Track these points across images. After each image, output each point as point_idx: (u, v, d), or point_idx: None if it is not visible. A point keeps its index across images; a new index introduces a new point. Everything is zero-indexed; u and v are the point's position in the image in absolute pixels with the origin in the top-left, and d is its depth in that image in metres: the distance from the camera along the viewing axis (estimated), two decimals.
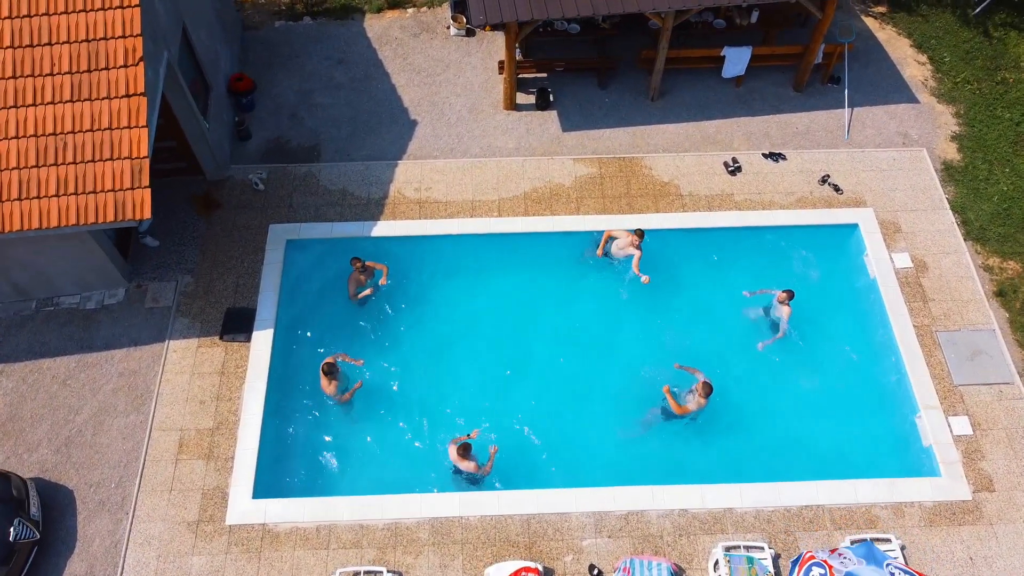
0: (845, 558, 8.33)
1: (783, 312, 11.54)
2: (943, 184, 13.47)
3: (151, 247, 12.66)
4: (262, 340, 11.74)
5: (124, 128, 9.63)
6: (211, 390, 11.40)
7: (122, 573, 10.08)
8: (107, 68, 9.73)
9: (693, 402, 10.75)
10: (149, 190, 9.62)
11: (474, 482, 10.66)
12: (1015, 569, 10.05)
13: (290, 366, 11.71)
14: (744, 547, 10.04)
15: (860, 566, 8.21)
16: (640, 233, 11.92)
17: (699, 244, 12.82)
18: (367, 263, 11.89)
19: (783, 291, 11.46)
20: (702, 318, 12.18)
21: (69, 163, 9.63)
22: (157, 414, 11.20)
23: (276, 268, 12.42)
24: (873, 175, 13.49)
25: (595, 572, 10.02)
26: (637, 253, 12.01)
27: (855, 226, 12.93)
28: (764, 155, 13.68)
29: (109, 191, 9.58)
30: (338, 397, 10.94)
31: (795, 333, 11.86)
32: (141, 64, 9.74)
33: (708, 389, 10.56)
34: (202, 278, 12.43)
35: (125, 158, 9.59)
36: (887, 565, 8.28)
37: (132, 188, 9.56)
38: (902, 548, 10.07)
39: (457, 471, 10.59)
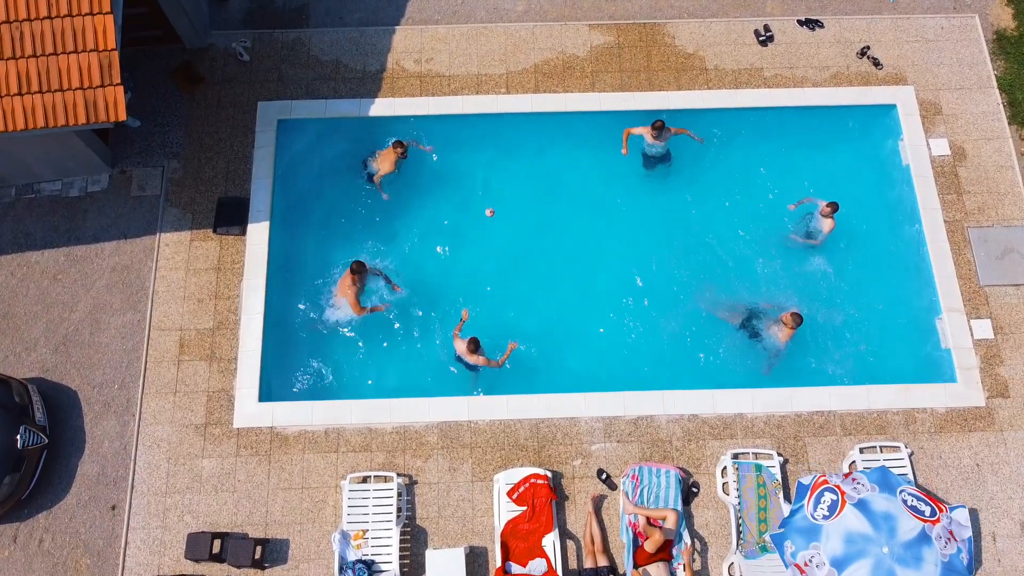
0: (859, 483, 8.30)
1: (825, 225, 10.79)
2: (992, 58, 12.30)
3: (132, 128, 11.72)
4: (258, 233, 11.16)
5: (86, 15, 8.49)
6: (208, 287, 10.97)
7: (134, 475, 10.15)
8: None
9: (781, 333, 10.25)
10: (122, 87, 8.66)
11: (473, 369, 10.42)
12: (1021, 475, 10.13)
13: (289, 261, 11.21)
14: (752, 454, 10.05)
15: (873, 492, 8.19)
16: (658, 125, 10.97)
17: (722, 126, 11.89)
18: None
19: (827, 203, 10.64)
20: (722, 208, 11.52)
21: (29, 56, 8.59)
22: (154, 313, 10.85)
23: (268, 152, 11.58)
24: (917, 47, 12.28)
25: (603, 476, 10.10)
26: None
27: (892, 107, 11.93)
28: (799, 22, 12.39)
29: (77, 89, 8.62)
30: (354, 304, 10.35)
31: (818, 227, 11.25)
32: None
33: (797, 320, 10.00)
34: (190, 163, 11.62)
35: (91, 50, 8.54)
36: (900, 491, 8.26)
37: (103, 85, 8.59)
38: (910, 455, 10.10)
39: (459, 359, 10.34)
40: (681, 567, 9.42)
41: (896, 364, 10.76)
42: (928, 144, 11.67)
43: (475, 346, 9.93)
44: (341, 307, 10.71)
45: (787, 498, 9.80)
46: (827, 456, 10.21)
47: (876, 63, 12.10)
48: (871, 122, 11.99)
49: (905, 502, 8.20)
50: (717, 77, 12.07)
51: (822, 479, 8.51)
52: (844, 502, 8.21)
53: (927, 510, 8.19)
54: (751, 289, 11.05)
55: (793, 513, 8.48)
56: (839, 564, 7.88)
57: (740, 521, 9.65)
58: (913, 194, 11.48)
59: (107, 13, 8.47)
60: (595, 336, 10.84)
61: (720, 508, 9.96)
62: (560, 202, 11.49)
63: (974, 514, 9.90)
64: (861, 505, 8.15)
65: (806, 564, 8.06)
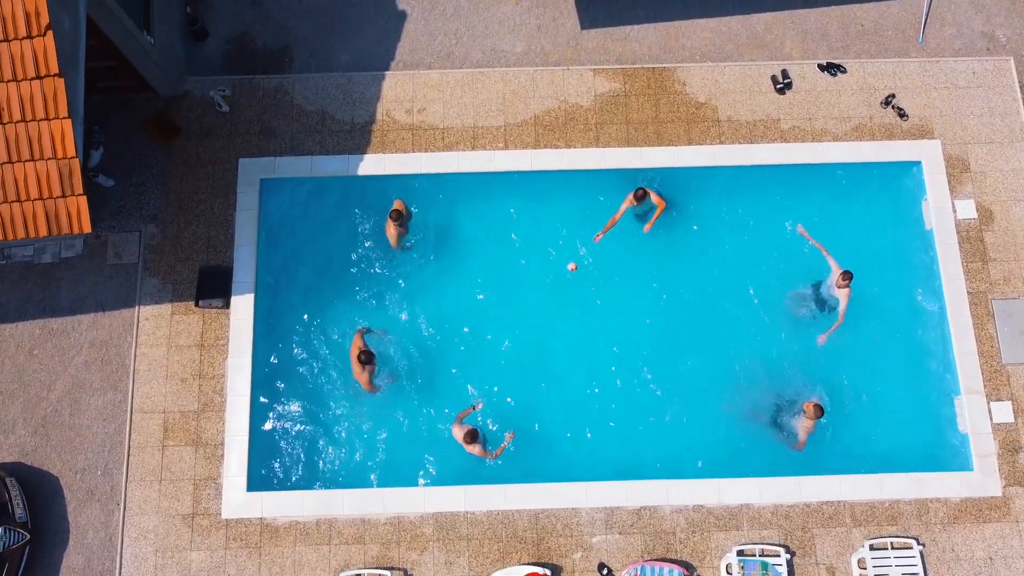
0: None
1: (841, 295, 10.13)
2: None
3: (106, 187, 11.03)
4: (242, 306, 10.59)
5: (41, 120, 7.75)
6: (192, 366, 10.46)
7: (121, 568, 9.86)
8: (5, 40, 7.62)
9: (801, 427, 9.77)
10: (84, 198, 7.97)
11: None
12: None
13: (276, 337, 10.67)
14: (759, 551, 9.72)
15: None
16: (639, 194, 10.28)
17: (734, 184, 11.16)
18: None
19: (841, 273, 9.95)
20: (730, 282, 10.89)
21: None
22: (136, 394, 10.38)
23: (251, 216, 10.91)
24: (946, 94, 11.43)
25: (604, 572, 9.79)
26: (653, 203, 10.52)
27: (917, 164, 11.17)
28: (820, 66, 11.50)
29: (36, 199, 7.94)
30: (370, 387, 9.99)
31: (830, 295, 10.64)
32: (49, 34, 7.61)
33: (819, 412, 9.49)
34: (168, 227, 10.96)
35: (49, 158, 7.82)
36: None
37: (64, 196, 7.91)
38: (921, 552, 9.75)
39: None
40: None
41: (910, 448, 10.32)
42: (954, 206, 10.97)
43: (472, 437, 9.52)
44: (335, 387, 10.30)
45: None
46: (835, 549, 9.88)
47: (901, 113, 11.28)
48: (894, 180, 11.24)
49: None
50: (731, 130, 11.27)
51: None
52: None
53: None
54: (761, 366, 10.52)
55: None
56: None
57: None
58: (935, 262, 10.83)
59: (64, 118, 7.70)
60: (598, 424, 10.37)
61: None
62: (560, 278, 10.84)
63: None
64: None
65: None
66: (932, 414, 10.46)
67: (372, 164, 11.13)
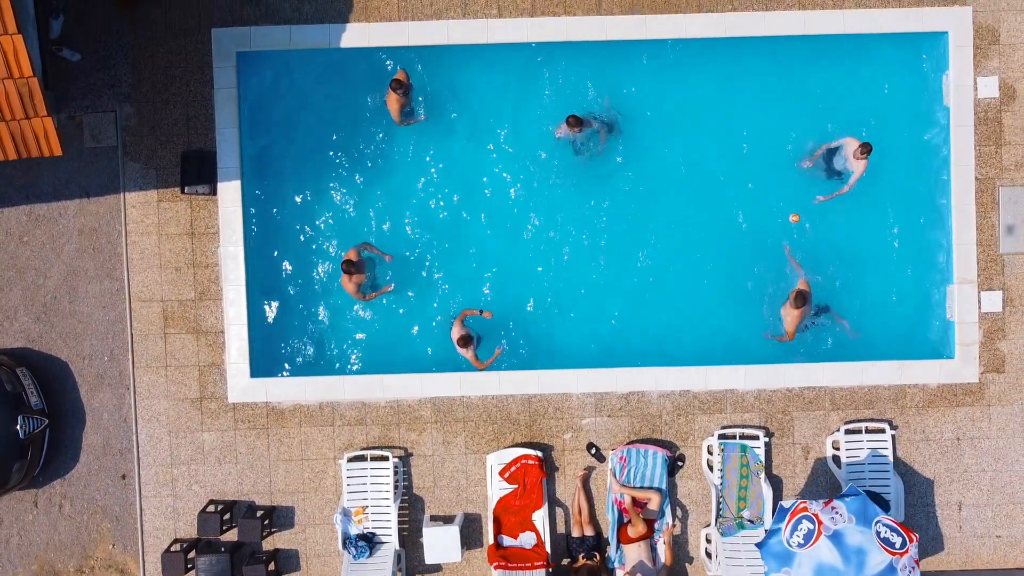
0: (837, 513, 8.59)
1: (857, 167, 9.83)
2: None
3: (72, 61, 10.31)
4: (230, 193, 10.34)
5: None
6: (184, 254, 10.42)
7: (138, 447, 10.48)
8: None
9: (788, 315, 9.90)
10: (51, 119, 7.52)
11: None
12: (998, 450, 10.43)
13: (268, 223, 10.51)
14: (739, 434, 10.27)
15: (849, 524, 8.52)
16: (571, 120, 9.77)
17: (743, 56, 10.43)
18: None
19: (860, 145, 9.63)
20: (730, 158, 10.54)
21: None
22: (133, 282, 10.43)
23: (230, 95, 10.30)
24: None
25: (593, 450, 10.42)
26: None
27: (943, 35, 10.34)
28: None
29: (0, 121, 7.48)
30: (360, 296, 10.02)
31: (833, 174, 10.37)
32: None
33: (801, 298, 9.58)
34: (144, 107, 10.39)
35: (5, 78, 7.26)
36: (876, 523, 8.58)
37: (28, 117, 7.45)
38: (893, 437, 10.29)
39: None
40: (661, 542, 10.09)
41: (895, 334, 10.54)
42: (976, 83, 10.31)
43: (465, 342, 9.75)
44: (332, 274, 10.36)
45: (768, 478, 10.20)
46: (812, 431, 10.44)
47: None
48: (917, 49, 10.46)
49: (879, 534, 8.57)
50: None
51: (802, 505, 8.80)
52: (820, 532, 8.58)
53: (898, 541, 8.59)
54: (757, 253, 10.47)
55: (770, 535, 8.89)
56: None
57: (721, 499, 10.14)
58: (947, 144, 10.39)
59: (14, 34, 7.04)
60: (591, 310, 10.52)
61: (704, 480, 10.41)
62: (557, 163, 10.46)
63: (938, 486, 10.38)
64: (835, 537, 8.52)
65: None
66: (922, 301, 10.57)
67: (356, 34, 10.31)
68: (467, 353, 9.81)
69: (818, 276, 10.33)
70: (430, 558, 9.99)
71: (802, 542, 8.64)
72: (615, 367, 10.38)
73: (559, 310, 10.53)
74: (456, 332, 9.84)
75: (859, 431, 10.26)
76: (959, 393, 10.43)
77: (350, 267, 9.66)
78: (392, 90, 9.79)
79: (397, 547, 10.08)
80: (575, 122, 9.76)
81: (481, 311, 10.05)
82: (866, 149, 9.62)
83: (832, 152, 10.24)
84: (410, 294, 10.49)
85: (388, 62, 10.42)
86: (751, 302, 10.43)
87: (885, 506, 9.77)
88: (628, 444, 10.29)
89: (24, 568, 10.48)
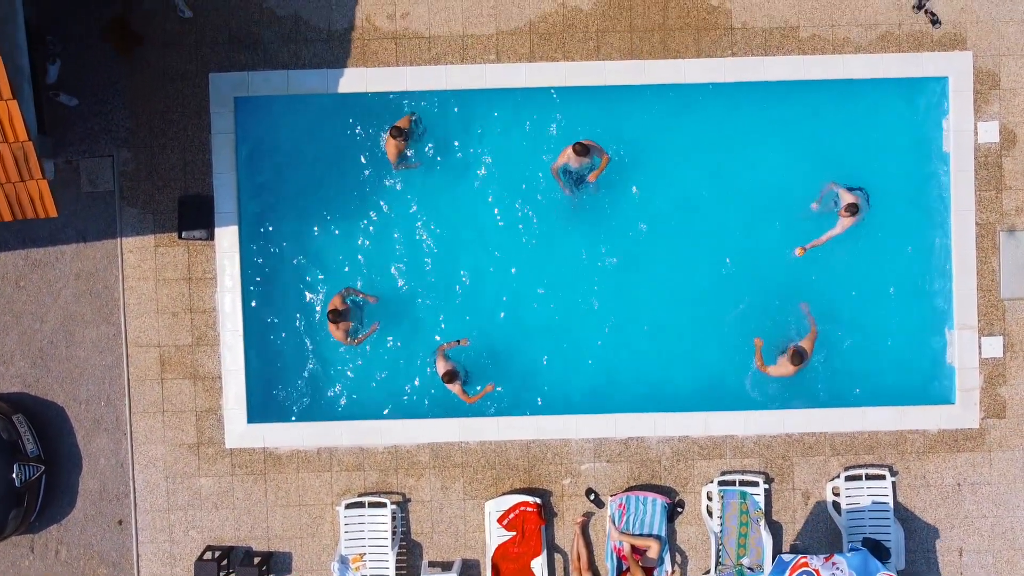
0: (838, 569, 8.56)
1: (840, 224, 9.80)
2: None
3: (69, 106, 10.28)
4: (227, 239, 10.30)
5: None
6: (181, 300, 10.37)
7: (135, 493, 10.43)
8: None
9: (780, 366, 9.74)
10: (46, 182, 7.49)
11: None
12: (999, 495, 10.38)
13: (265, 268, 10.48)
14: (738, 480, 10.22)
15: None
16: (578, 147, 9.62)
17: (743, 100, 10.42)
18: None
19: (847, 204, 9.59)
20: (730, 204, 10.54)
21: None
22: (129, 327, 10.38)
23: (228, 139, 10.28)
24: None
25: (592, 496, 10.38)
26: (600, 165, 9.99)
27: (943, 80, 10.31)
28: None
29: None
30: (349, 342, 9.98)
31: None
32: None
33: (797, 358, 9.43)
34: (141, 152, 10.37)
35: (0, 143, 7.23)
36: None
37: (23, 180, 7.41)
38: (893, 481, 10.24)
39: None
40: None
41: (895, 379, 10.49)
42: (976, 129, 10.28)
43: (449, 378, 9.69)
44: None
45: (768, 524, 10.14)
46: (812, 476, 10.39)
47: (934, 20, 10.23)
48: (916, 94, 10.44)
49: None
50: (744, 39, 10.28)
51: (803, 560, 8.77)
52: None
53: None
54: (755, 299, 10.45)
55: None
56: None
57: (720, 546, 10.08)
58: (947, 189, 10.36)
59: (9, 100, 7.01)
60: (591, 355, 10.48)
61: (703, 526, 10.35)
62: (553, 203, 10.43)
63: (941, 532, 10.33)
64: None
65: None
66: (921, 346, 10.52)
67: (353, 79, 10.29)
68: (454, 388, 9.79)
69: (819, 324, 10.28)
70: None
71: None
72: (614, 412, 10.33)
73: (558, 355, 10.50)
74: (440, 368, 9.82)
75: (859, 477, 10.20)
76: (960, 438, 10.38)
77: (337, 316, 9.64)
78: (392, 136, 9.76)
79: None
80: (582, 150, 9.64)
81: (458, 341, 10.01)
82: (851, 209, 9.57)
83: (834, 197, 10.19)
84: (398, 344, 10.48)
85: (387, 106, 10.39)
86: (752, 348, 10.36)
87: (886, 554, 9.72)
88: (627, 491, 10.24)
89: None
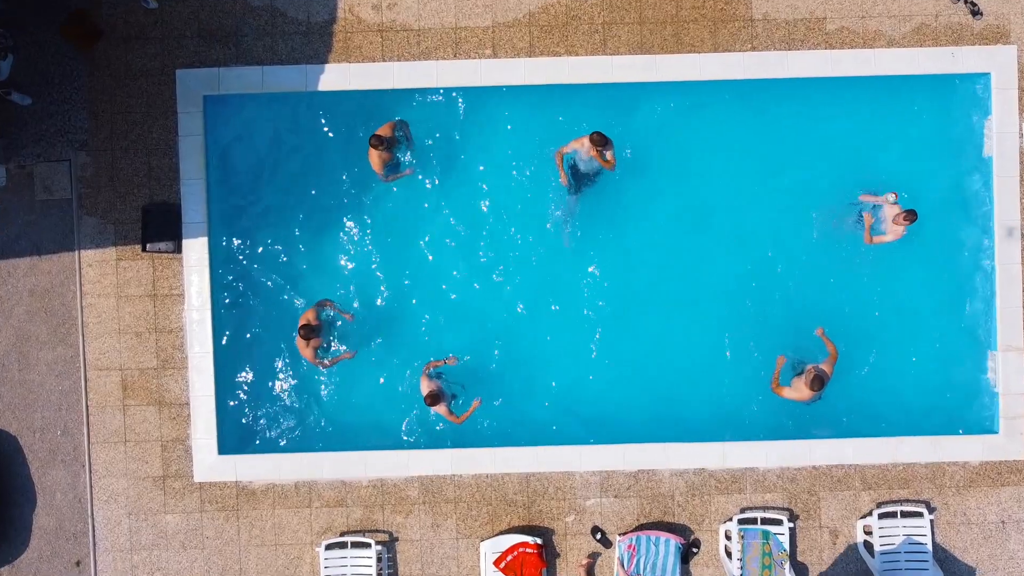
0: None
1: (892, 231, 8.87)
2: None
3: (22, 106, 9.36)
4: (196, 251, 9.36)
5: None
6: (145, 319, 9.43)
7: (94, 531, 9.48)
8: None
9: (795, 389, 8.80)
10: None
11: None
12: None
13: (238, 285, 9.53)
14: (760, 519, 9.26)
15: None
16: (596, 138, 8.64)
17: (763, 101, 9.49)
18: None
19: (906, 211, 8.60)
20: (748, 213, 9.60)
21: None
22: (88, 349, 9.45)
23: (196, 142, 9.35)
24: None
25: (598, 535, 9.42)
26: (605, 161, 8.96)
27: (985, 76, 9.38)
28: None
29: None
30: (317, 363, 9.08)
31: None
32: None
33: (818, 383, 8.48)
34: (102, 156, 9.44)
35: None
36: None
37: None
38: (931, 520, 9.28)
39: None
40: None
41: (932, 406, 9.54)
42: (1021, 130, 9.34)
43: (432, 400, 8.73)
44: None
45: (793, 566, 9.18)
46: (841, 512, 9.43)
47: (975, 10, 9.30)
48: (954, 93, 9.50)
49: None
50: (765, 32, 9.34)
51: None
52: None
53: None
54: (780, 321, 9.50)
55: None
56: None
57: None
58: (990, 195, 9.42)
59: None
60: (596, 378, 9.53)
61: (721, 568, 9.41)
62: (554, 209, 9.52)
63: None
64: None
65: None
66: (961, 369, 9.57)
67: (335, 76, 9.36)
68: (439, 410, 8.85)
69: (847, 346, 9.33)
70: None
71: None
72: (622, 443, 9.38)
73: (560, 378, 9.57)
74: (424, 388, 8.87)
75: (894, 514, 9.24)
76: (1004, 471, 9.43)
77: (309, 332, 8.73)
78: (372, 146, 8.78)
79: None
80: (600, 140, 8.65)
81: (445, 359, 9.19)
82: (910, 217, 8.60)
83: (874, 207, 9.23)
84: (383, 367, 9.57)
85: (372, 105, 9.47)
86: (771, 373, 9.41)
87: None
88: (637, 530, 9.29)
89: None
